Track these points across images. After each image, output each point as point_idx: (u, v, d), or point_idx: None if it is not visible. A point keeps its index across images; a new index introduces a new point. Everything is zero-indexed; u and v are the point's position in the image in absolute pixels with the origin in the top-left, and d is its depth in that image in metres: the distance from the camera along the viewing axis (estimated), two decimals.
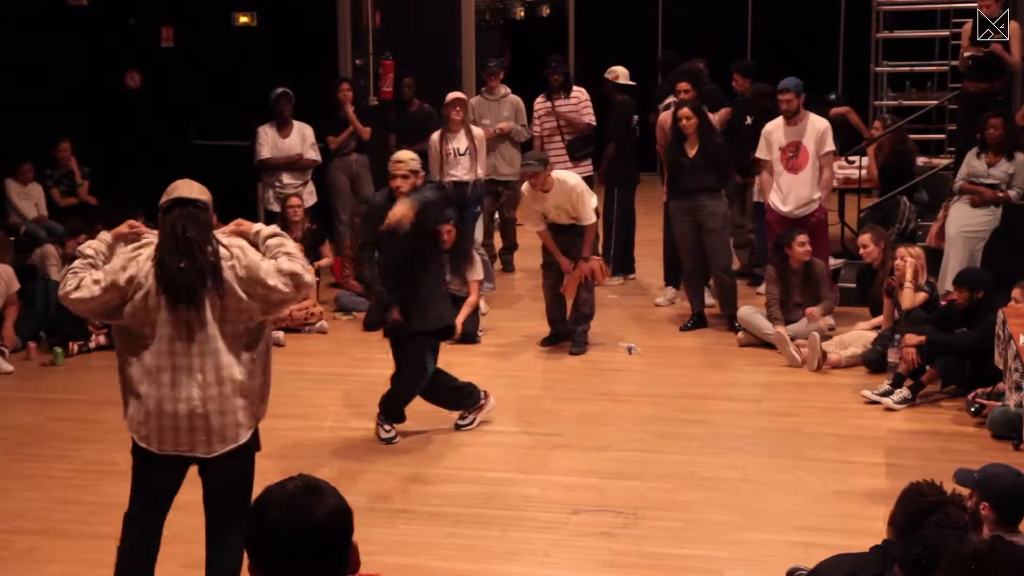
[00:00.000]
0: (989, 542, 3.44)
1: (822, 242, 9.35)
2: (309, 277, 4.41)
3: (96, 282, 4.29)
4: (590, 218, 8.60)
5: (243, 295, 4.29)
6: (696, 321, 9.32)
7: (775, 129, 9.30)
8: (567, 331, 8.85)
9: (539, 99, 10.81)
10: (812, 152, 9.18)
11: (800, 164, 9.20)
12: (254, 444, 4.53)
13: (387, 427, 7.00)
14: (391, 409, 7.01)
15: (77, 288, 4.29)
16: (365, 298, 9.76)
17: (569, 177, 8.64)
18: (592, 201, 8.64)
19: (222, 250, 4.32)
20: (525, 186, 8.67)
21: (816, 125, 9.22)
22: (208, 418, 4.37)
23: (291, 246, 4.45)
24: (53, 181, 10.89)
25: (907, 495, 3.85)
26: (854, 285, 9.53)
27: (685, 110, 9.11)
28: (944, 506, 3.72)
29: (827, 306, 8.81)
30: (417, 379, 6.96)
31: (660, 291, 10.24)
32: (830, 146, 9.25)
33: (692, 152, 9.11)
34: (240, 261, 4.31)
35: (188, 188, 4.43)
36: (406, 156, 6.92)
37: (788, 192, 9.24)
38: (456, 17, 13.15)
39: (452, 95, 10.16)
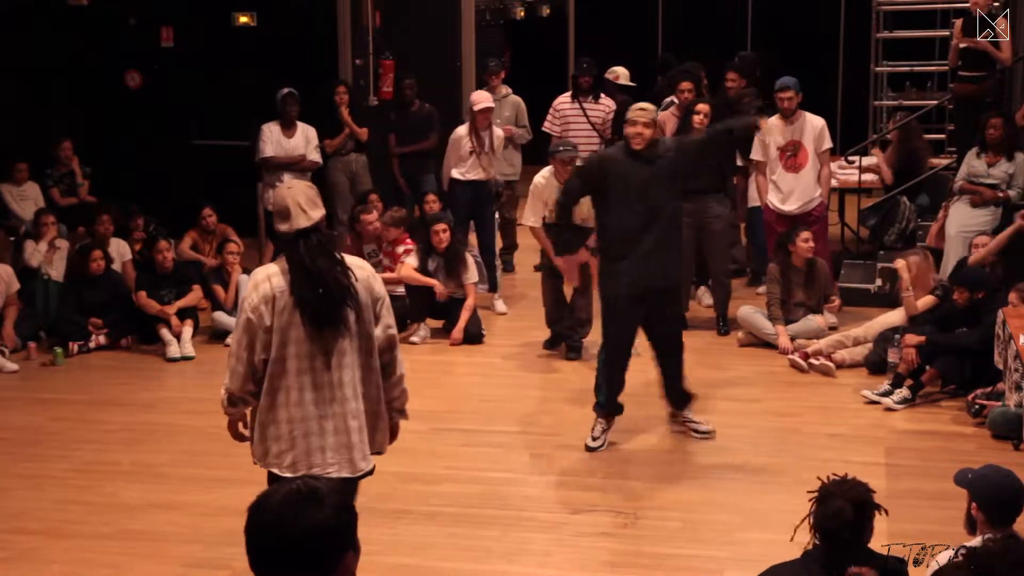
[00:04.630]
0: (1003, 542, 3.41)
1: (822, 239, 9.35)
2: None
3: None
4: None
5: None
6: None
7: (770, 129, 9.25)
8: (567, 333, 8.82)
9: (563, 98, 10.66)
10: (811, 150, 9.14)
11: (800, 163, 9.16)
12: None
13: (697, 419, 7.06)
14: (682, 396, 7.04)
15: None
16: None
17: None
18: None
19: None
20: (543, 174, 8.56)
21: (813, 123, 9.16)
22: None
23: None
24: (53, 181, 10.88)
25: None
26: (857, 285, 9.54)
27: (705, 107, 8.95)
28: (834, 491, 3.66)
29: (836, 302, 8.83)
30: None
31: None
32: (828, 143, 9.22)
33: None
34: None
35: (305, 215, 4.30)
36: (650, 104, 6.79)
37: (790, 191, 9.19)
38: (456, 17, 13.13)
39: (483, 104, 9.95)
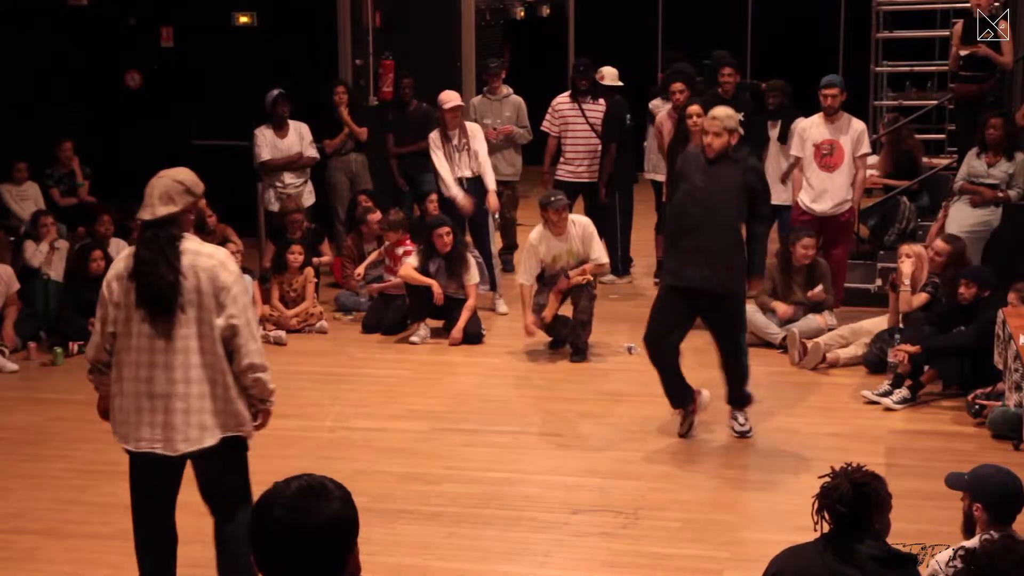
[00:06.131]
0: (1002, 541, 3.41)
1: (846, 243, 9.35)
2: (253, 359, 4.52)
3: None
4: (604, 257, 8.74)
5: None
6: None
7: (811, 126, 9.20)
8: (567, 338, 8.80)
9: (563, 98, 10.59)
10: (848, 152, 9.09)
11: (835, 163, 9.11)
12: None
13: (741, 419, 7.00)
14: (740, 396, 6.99)
15: None
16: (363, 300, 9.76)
17: (580, 218, 8.76)
18: None
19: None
20: (537, 231, 8.61)
21: (855, 126, 9.13)
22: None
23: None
24: (53, 181, 10.88)
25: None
26: (857, 285, 9.53)
27: (696, 107, 8.67)
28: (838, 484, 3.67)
29: (828, 300, 8.77)
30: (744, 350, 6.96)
31: None
32: (867, 148, 9.21)
33: None
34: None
35: (151, 208, 4.43)
36: (722, 113, 6.75)
37: (821, 191, 9.12)
38: (456, 17, 13.15)
39: (453, 103, 9.87)
